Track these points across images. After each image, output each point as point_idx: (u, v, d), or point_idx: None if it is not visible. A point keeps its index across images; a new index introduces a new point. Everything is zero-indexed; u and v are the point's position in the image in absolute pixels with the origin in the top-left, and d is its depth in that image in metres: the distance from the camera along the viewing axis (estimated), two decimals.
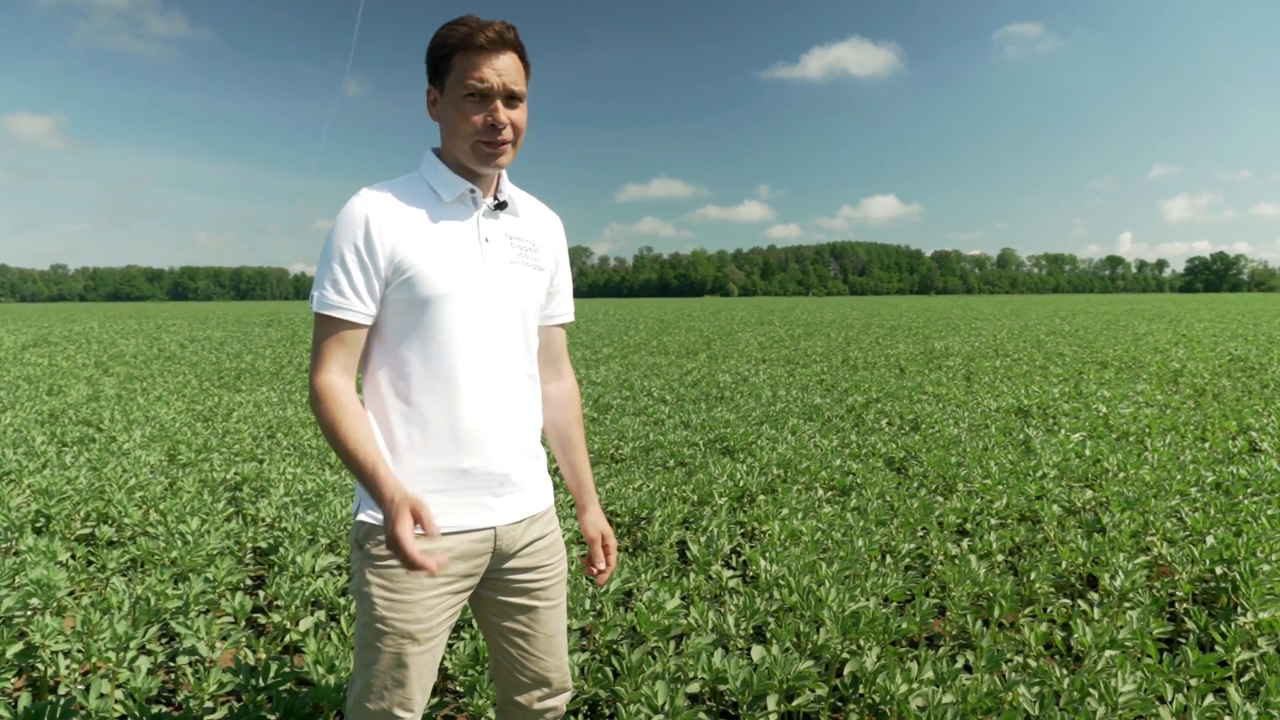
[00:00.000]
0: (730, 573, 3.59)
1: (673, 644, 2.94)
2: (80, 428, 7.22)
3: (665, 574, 3.62)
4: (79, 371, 12.62)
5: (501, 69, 1.58)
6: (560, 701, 1.92)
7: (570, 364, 2.00)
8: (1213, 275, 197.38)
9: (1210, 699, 2.32)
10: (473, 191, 1.66)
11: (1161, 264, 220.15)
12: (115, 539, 4.28)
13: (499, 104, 1.60)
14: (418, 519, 1.44)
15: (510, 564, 1.74)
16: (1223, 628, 2.88)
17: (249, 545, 4.15)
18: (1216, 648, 2.81)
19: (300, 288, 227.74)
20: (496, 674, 1.87)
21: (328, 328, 1.58)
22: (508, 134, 1.61)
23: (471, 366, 1.64)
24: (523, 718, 1.89)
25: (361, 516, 1.64)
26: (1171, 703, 2.37)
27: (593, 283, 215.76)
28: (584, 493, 1.96)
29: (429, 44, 1.62)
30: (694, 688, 2.56)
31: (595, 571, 1.93)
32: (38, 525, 4.37)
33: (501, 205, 1.70)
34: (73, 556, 4.03)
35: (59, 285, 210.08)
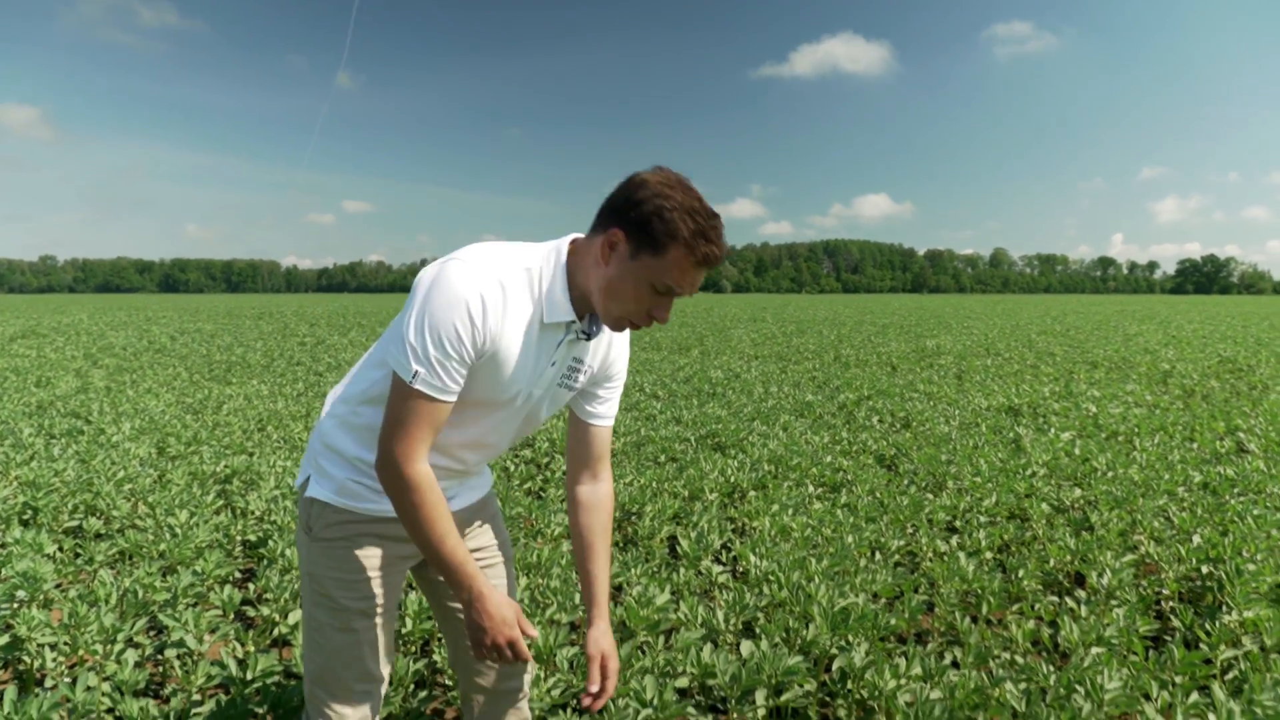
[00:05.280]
0: (720, 568, 3.60)
1: (662, 639, 2.94)
2: (69, 420, 7.18)
3: (655, 569, 3.63)
4: (68, 363, 12.55)
5: (699, 282, 1.53)
6: (521, 683, 1.98)
7: (610, 468, 1.90)
8: (1203, 277, 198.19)
9: (1195, 696, 2.33)
10: (572, 324, 1.61)
11: (1153, 265, 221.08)
12: (103, 531, 4.26)
13: (671, 303, 1.56)
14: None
15: None
16: (1208, 626, 2.90)
17: (238, 538, 4.13)
18: (1201, 645, 2.83)
19: (292, 280, 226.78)
20: (456, 659, 1.94)
21: (427, 407, 1.51)
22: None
23: (474, 442, 1.70)
24: (489, 704, 1.95)
25: (311, 493, 1.69)
26: (1157, 700, 2.38)
27: None
28: (595, 605, 1.86)
29: (651, 196, 1.46)
30: (683, 682, 2.57)
31: (589, 697, 1.76)
32: (24, 517, 4.34)
33: (590, 336, 1.67)
34: (60, 549, 4.01)
35: (48, 276, 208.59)
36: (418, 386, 1.48)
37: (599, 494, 1.87)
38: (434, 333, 1.46)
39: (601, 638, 1.81)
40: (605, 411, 1.83)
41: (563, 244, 1.59)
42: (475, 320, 1.47)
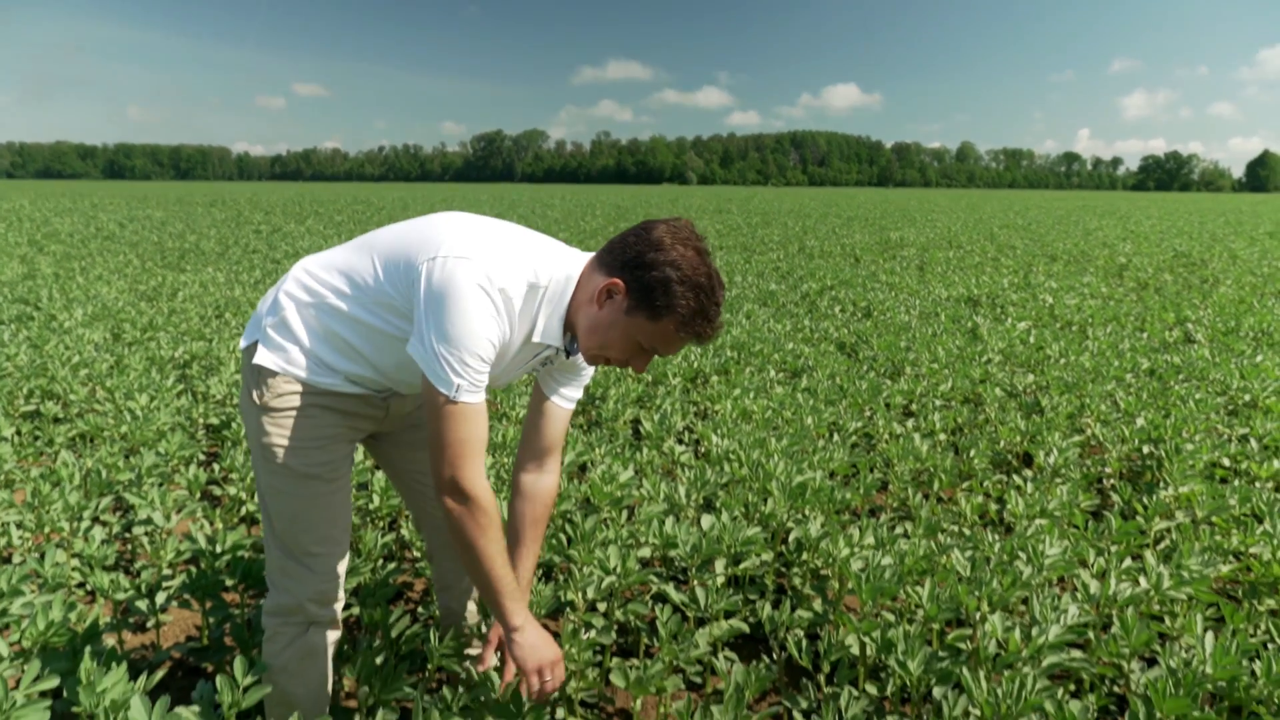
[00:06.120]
0: (682, 448, 3.67)
1: (625, 513, 3.03)
2: (17, 306, 6.99)
3: (619, 449, 3.69)
4: (11, 249, 12.12)
5: (682, 348, 1.58)
6: None
7: (560, 463, 1.92)
8: (1165, 174, 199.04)
9: (1129, 562, 2.47)
10: (553, 346, 1.66)
11: (1116, 161, 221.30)
12: (61, 415, 4.21)
13: (650, 359, 1.63)
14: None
15: (406, 424, 1.92)
16: (1145, 500, 3.05)
17: (200, 422, 4.11)
18: (1138, 518, 2.98)
19: (244, 167, 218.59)
20: (421, 521, 2.05)
21: (474, 414, 1.52)
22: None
23: (417, 385, 1.73)
24: (455, 561, 2.05)
25: (259, 360, 1.66)
26: (1093, 565, 2.52)
27: (549, 168, 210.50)
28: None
29: (663, 263, 1.49)
30: (645, 553, 2.66)
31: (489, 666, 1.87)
32: None
33: (570, 354, 1.72)
34: (18, 433, 3.97)
35: None
36: (463, 399, 1.50)
37: (541, 484, 1.88)
38: (466, 345, 1.47)
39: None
40: (567, 393, 1.84)
41: (575, 270, 1.60)
42: (500, 326, 1.52)
